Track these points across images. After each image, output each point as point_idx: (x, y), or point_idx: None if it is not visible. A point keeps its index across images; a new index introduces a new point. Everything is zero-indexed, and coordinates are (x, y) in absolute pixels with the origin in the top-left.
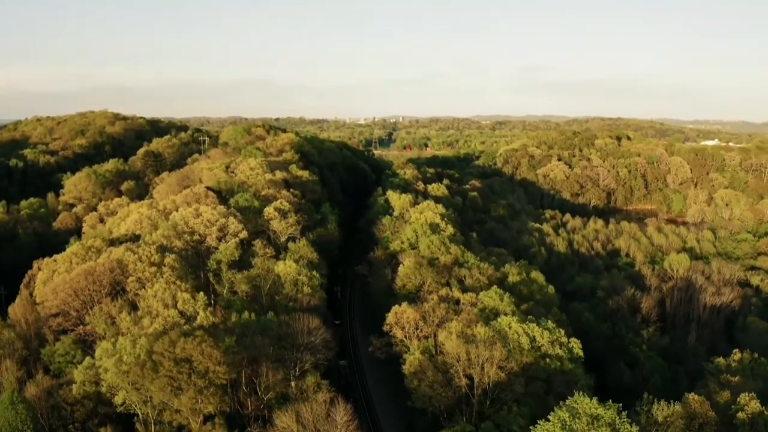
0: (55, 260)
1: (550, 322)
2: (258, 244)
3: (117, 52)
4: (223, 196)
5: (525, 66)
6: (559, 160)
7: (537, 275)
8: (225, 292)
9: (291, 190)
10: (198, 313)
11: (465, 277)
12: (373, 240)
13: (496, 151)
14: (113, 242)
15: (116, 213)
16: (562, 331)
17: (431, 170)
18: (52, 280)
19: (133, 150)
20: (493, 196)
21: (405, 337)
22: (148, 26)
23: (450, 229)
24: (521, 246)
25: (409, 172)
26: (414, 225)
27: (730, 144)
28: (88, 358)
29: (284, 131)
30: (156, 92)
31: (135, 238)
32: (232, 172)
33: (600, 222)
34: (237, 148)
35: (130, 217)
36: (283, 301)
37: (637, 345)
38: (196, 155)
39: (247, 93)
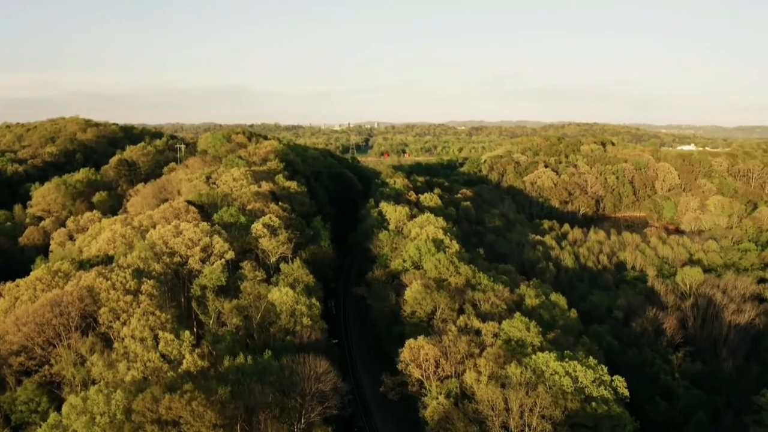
0: (17, 285)
1: (591, 358)
2: (247, 266)
3: (89, 57)
4: (205, 210)
5: (498, 72)
6: (546, 166)
7: (558, 298)
8: (212, 323)
9: (279, 203)
10: (183, 356)
11: (480, 302)
12: (368, 256)
13: (480, 158)
14: (83, 265)
15: (87, 229)
16: (605, 368)
17: (421, 179)
18: (13, 310)
19: (105, 158)
20: (485, 206)
21: (423, 376)
22: (120, 32)
23: (455, 246)
24: (526, 261)
25: (399, 182)
26: (417, 242)
27: (707, 148)
28: (53, 415)
29: (265, 138)
30: (128, 98)
31: (107, 260)
32: (214, 184)
33: (602, 233)
34: (217, 157)
35: (102, 234)
36: (278, 334)
37: (669, 373)
38: (172, 164)
39: (220, 99)
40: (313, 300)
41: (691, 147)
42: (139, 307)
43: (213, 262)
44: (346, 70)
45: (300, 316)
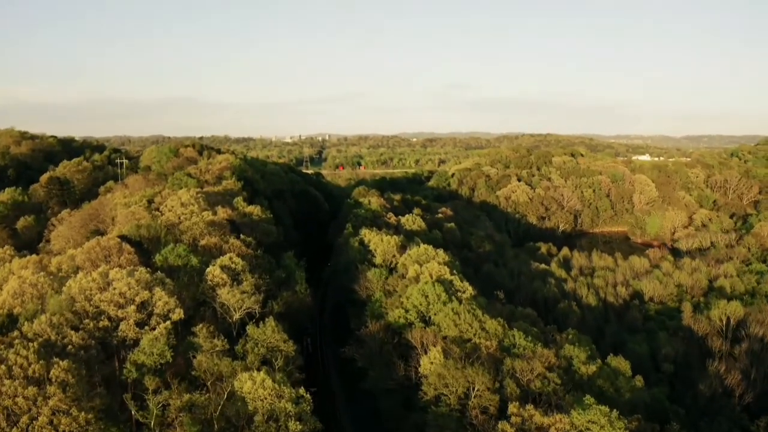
0: None
1: None
2: (201, 331)
3: (29, 66)
4: (144, 248)
5: (447, 84)
6: (519, 180)
7: (618, 363)
8: (153, 424)
9: (240, 235)
10: None
11: (522, 374)
12: (350, 297)
13: (447, 171)
14: None
15: None
16: None
17: (397, 197)
18: None
19: (40, 174)
20: (465, 226)
21: None
22: (66, 41)
23: (469, 289)
24: (539, 299)
25: (374, 201)
26: (422, 285)
27: (662, 158)
28: None
29: (219, 152)
30: (73, 110)
31: (11, 323)
32: (157, 210)
33: (609, 258)
34: (162, 174)
35: (9, 283)
36: None
37: None
38: (111, 182)
39: (169, 111)
40: (301, 390)
41: (646, 157)
42: (46, 404)
43: (154, 326)
44: (295, 82)
45: (284, 419)
